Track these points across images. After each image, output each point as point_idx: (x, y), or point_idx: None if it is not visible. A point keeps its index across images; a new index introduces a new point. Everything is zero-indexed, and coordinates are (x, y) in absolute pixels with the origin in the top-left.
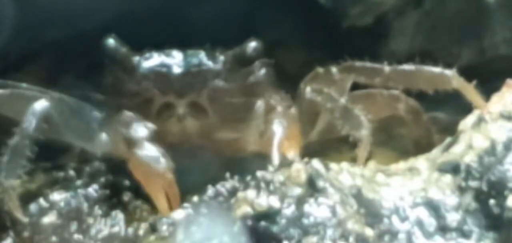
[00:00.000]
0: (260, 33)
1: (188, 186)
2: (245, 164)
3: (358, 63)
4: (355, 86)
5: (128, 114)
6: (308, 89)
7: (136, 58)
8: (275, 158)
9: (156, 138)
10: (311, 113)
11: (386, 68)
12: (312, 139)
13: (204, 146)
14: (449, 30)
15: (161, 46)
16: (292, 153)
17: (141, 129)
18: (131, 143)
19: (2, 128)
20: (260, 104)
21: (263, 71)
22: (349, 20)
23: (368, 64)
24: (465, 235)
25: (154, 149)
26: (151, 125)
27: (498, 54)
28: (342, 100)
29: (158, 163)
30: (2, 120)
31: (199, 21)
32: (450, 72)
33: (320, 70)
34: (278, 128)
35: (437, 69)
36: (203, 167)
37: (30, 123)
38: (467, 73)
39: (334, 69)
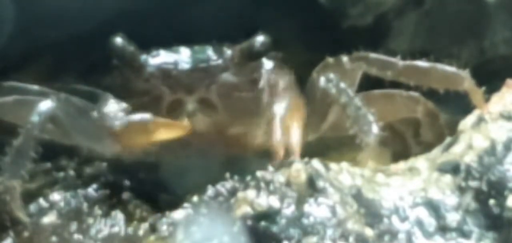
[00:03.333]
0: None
1: (191, 185)
2: (245, 164)
3: (371, 54)
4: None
5: (104, 95)
6: (322, 78)
7: (143, 56)
8: (277, 133)
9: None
10: (323, 104)
11: (400, 63)
12: (322, 133)
13: (215, 142)
14: (449, 30)
15: (161, 45)
16: (295, 126)
17: (113, 105)
18: (110, 120)
19: (8, 129)
20: (263, 87)
21: (271, 65)
22: (349, 20)
23: (381, 56)
24: (465, 235)
25: (131, 116)
26: (123, 104)
27: (498, 54)
28: (357, 99)
29: (146, 120)
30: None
31: (198, 21)
32: (464, 73)
33: (330, 60)
34: (279, 106)
35: (451, 69)
36: (205, 166)
37: (34, 123)
38: None
39: (344, 59)
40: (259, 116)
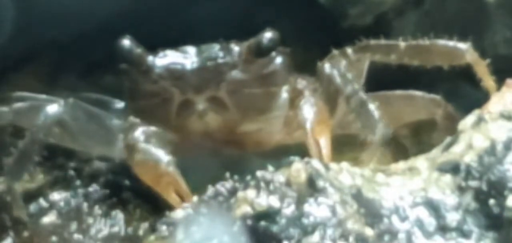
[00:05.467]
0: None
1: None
2: (245, 164)
3: (373, 42)
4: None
5: (131, 120)
6: (327, 65)
7: (150, 58)
8: (313, 147)
9: (162, 139)
10: (331, 94)
11: (402, 44)
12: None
13: (228, 141)
14: (449, 30)
15: (161, 45)
16: (323, 138)
17: (137, 133)
18: (129, 149)
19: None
20: (285, 90)
21: (280, 60)
22: (349, 20)
23: (382, 41)
24: (465, 235)
25: (151, 148)
26: (153, 128)
27: (498, 54)
28: (362, 93)
29: (158, 162)
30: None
31: (198, 20)
32: (464, 46)
33: (336, 52)
34: (308, 114)
35: (451, 43)
36: (211, 165)
37: (40, 126)
38: (467, 73)
39: (349, 50)
40: (271, 112)
